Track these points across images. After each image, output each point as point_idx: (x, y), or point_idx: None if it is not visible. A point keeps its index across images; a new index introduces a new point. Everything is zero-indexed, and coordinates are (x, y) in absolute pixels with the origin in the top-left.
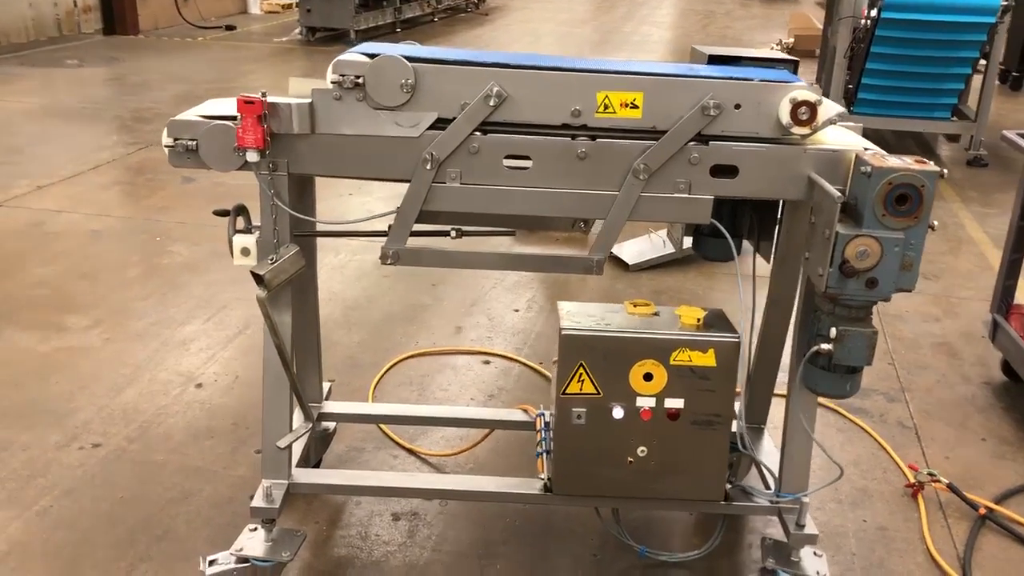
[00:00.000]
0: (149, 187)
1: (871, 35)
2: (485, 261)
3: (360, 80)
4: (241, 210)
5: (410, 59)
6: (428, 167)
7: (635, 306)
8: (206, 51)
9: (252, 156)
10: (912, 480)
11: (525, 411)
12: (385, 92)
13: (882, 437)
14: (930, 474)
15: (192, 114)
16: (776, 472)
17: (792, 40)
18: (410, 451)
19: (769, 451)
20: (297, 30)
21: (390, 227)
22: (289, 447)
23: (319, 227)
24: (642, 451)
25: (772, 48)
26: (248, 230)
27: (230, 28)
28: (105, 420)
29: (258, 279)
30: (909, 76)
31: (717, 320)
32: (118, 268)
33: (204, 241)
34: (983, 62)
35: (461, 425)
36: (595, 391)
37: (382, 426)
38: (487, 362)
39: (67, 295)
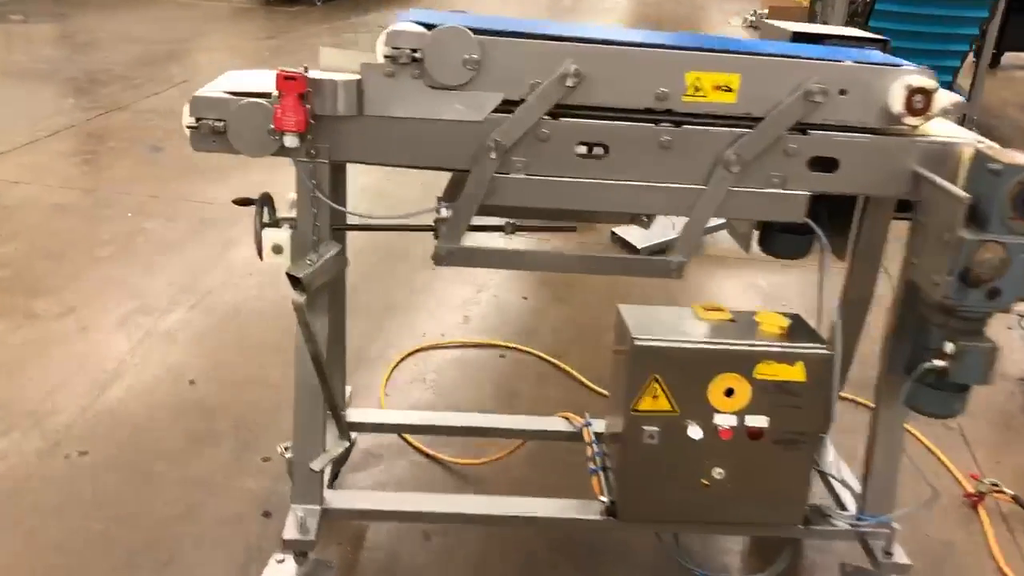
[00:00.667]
0: (114, 156)
1: (870, 8)
2: (554, 263)
3: (417, 55)
4: (267, 200)
5: (474, 31)
6: (492, 155)
7: (706, 311)
8: (159, 9)
9: (291, 141)
10: (972, 490)
11: (567, 419)
12: (446, 69)
13: (927, 439)
14: (992, 484)
15: (216, 89)
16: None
17: (766, 11)
18: (433, 459)
19: (836, 464)
20: None
21: (436, 221)
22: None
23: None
24: (719, 473)
25: (746, 19)
26: (275, 223)
27: None
28: (91, 423)
29: (295, 282)
30: (907, 53)
31: (801, 328)
32: (88, 247)
33: (180, 217)
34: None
35: (498, 435)
36: (670, 408)
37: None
38: (502, 356)
39: (33, 277)
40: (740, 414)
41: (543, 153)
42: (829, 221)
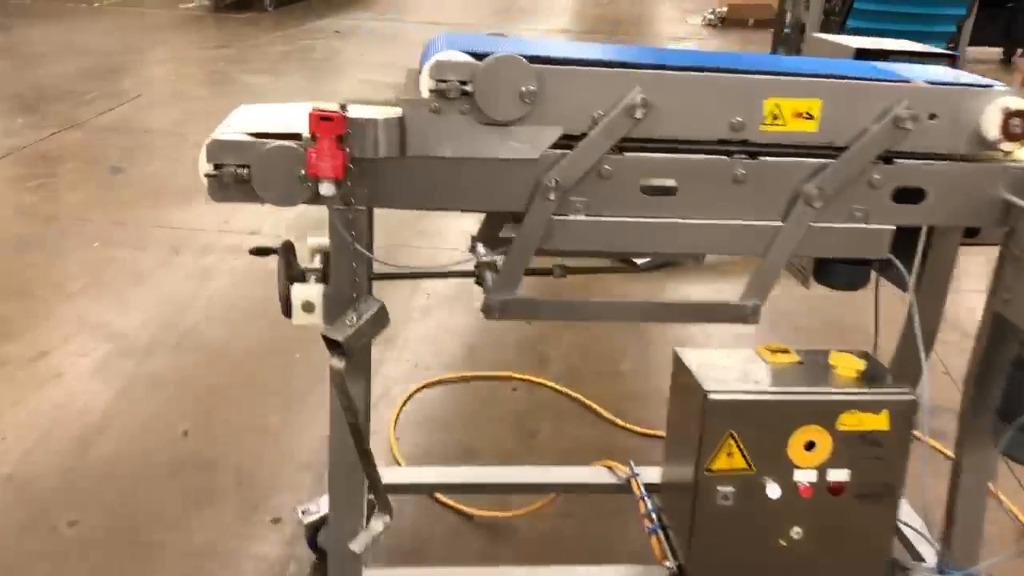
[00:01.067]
0: (72, 179)
1: (849, 7)
2: (620, 312)
3: (468, 88)
4: (289, 248)
5: (528, 58)
6: (551, 196)
7: (772, 352)
8: (104, 18)
9: (327, 189)
10: None
11: (610, 469)
12: (501, 103)
13: None
14: None
15: (234, 129)
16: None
17: (725, 9)
18: (458, 511)
19: (904, 509)
20: None
21: (479, 267)
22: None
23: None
24: (797, 533)
25: (705, 17)
26: (300, 275)
27: None
28: (78, 487)
29: (334, 346)
30: None
31: (877, 369)
32: (55, 282)
33: (150, 245)
34: None
35: (536, 491)
36: (747, 466)
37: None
38: (514, 389)
39: None
40: (821, 468)
41: (605, 192)
42: (893, 248)
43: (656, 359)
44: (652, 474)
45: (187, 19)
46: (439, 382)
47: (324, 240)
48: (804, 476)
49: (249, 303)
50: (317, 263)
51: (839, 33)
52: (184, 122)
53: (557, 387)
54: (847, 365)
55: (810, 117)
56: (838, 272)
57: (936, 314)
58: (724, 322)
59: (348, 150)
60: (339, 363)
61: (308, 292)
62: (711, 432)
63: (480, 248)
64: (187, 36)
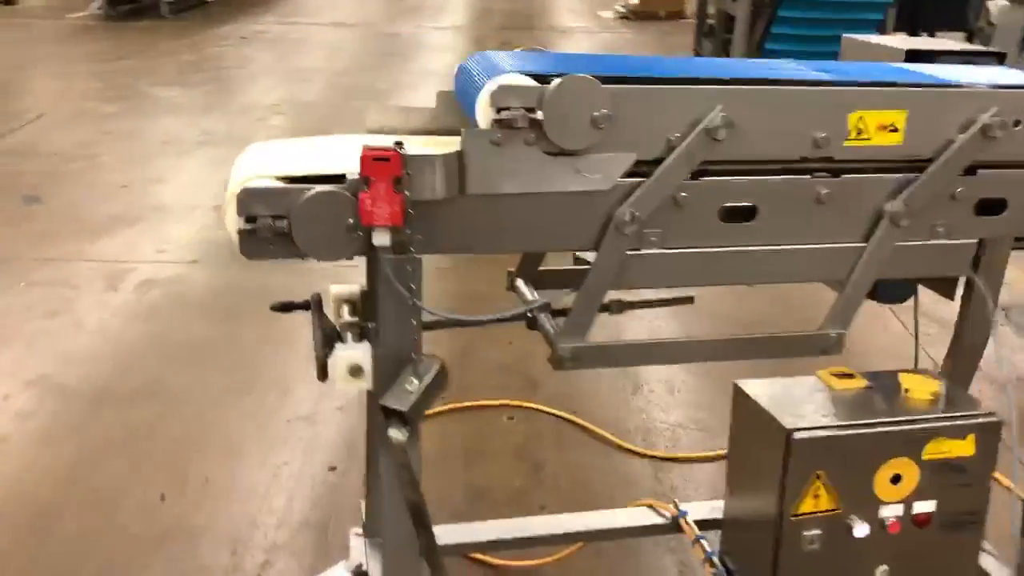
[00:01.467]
0: None
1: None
2: (698, 352)
3: (536, 115)
4: (318, 303)
5: (600, 79)
6: (627, 231)
7: (838, 378)
8: None
9: (381, 239)
10: None
11: (652, 507)
12: (572, 131)
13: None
14: None
15: (252, 175)
16: None
17: (636, 2)
18: (481, 563)
19: None
20: (96, 3)
21: (534, 312)
22: None
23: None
24: (884, 571)
25: (617, 11)
26: (338, 335)
27: (8, 2)
28: (49, 569)
29: (394, 416)
30: (818, 41)
31: (953, 391)
32: None
33: (82, 282)
34: None
35: (576, 540)
36: (833, 507)
37: None
38: (511, 417)
39: None
40: (906, 501)
41: (680, 221)
42: None
43: (645, 374)
44: (698, 510)
45: (78, 29)
46: (435, 413)
47: (349, 288)
48: (891, 511)
49: (204, 341)
50: (346, 315)
51: (769, 25)
52: (97, 142)
53: (555, 412)
54: (922, 388)
55: (895, 130)
56: (887, 286)
57: (986, 324)
58: (808, 355)
59: (407, 193)
60: (401, 435)
61: (355, 354)
62: (796, 473)
63: (522, 286)
64: (82, 48)
